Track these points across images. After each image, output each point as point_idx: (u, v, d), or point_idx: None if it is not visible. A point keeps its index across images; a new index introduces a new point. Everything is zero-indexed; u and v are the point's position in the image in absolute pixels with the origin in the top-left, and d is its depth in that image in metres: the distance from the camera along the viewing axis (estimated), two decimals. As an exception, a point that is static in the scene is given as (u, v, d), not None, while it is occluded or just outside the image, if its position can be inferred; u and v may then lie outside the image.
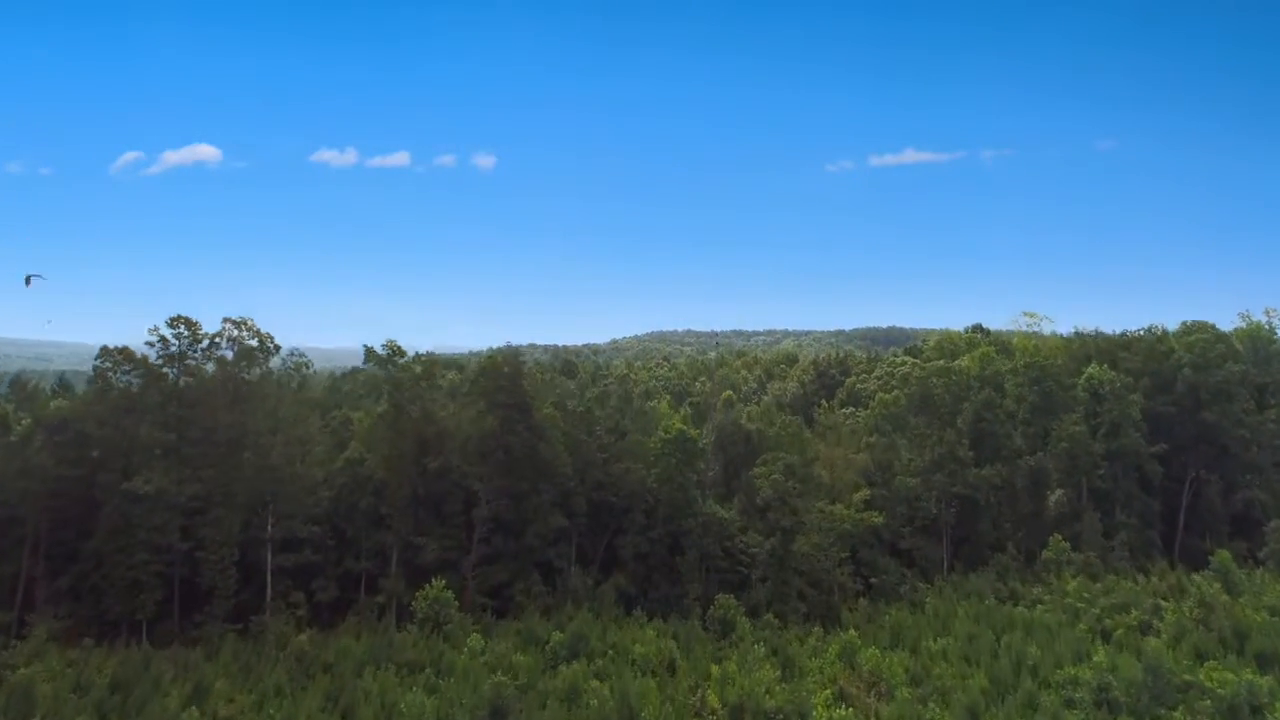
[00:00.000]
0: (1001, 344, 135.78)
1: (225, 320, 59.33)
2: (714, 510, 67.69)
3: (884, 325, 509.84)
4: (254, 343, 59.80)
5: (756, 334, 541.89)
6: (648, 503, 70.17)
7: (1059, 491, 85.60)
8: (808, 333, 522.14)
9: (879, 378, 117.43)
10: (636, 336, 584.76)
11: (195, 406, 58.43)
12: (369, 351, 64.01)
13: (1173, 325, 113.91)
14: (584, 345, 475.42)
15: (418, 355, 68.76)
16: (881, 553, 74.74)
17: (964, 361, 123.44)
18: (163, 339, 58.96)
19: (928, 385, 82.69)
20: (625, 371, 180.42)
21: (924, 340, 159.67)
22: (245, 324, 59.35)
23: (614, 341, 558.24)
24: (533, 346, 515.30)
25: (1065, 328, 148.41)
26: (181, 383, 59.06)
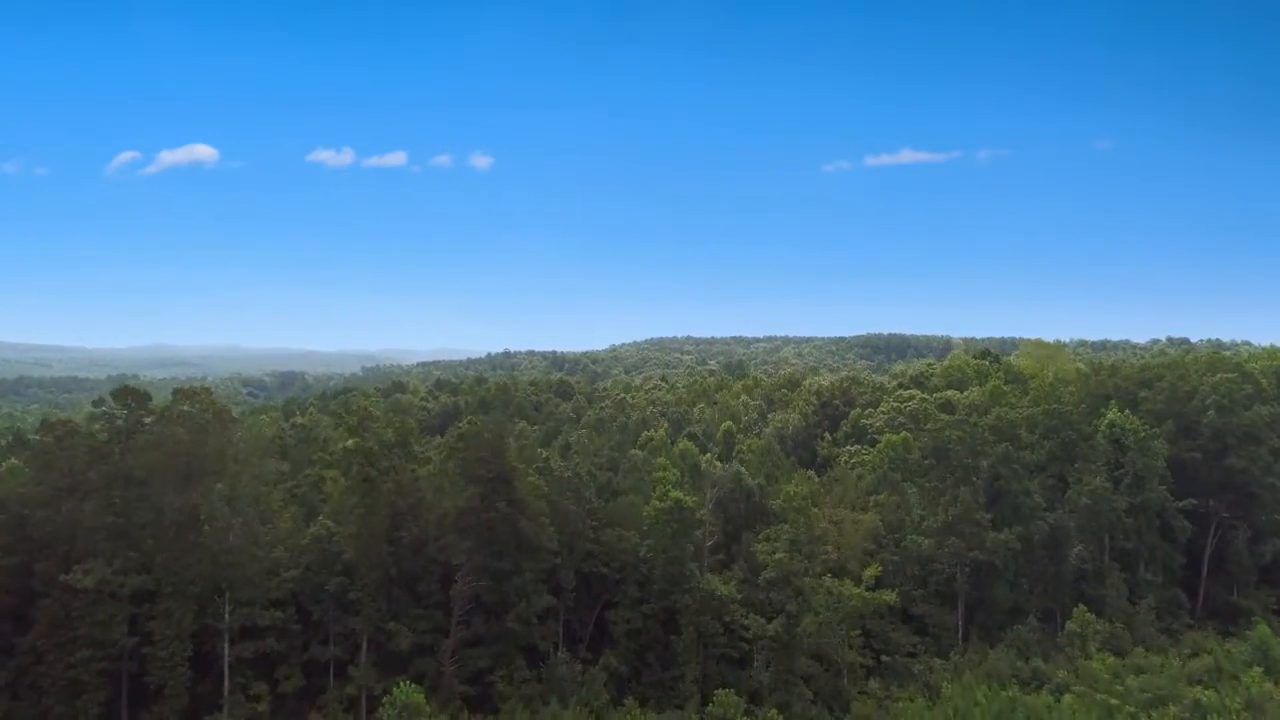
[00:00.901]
0: (1012, 374, 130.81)
1: (176, 392, 54.29)
2: (713, 586, 62.59)
3: (885, 332, 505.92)
4: (209, 415, 54.73)
5: (756, 341, 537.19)
6: (641, 574, 65.12)
7: (1079, 546, 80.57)
8: (808, 340, 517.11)
9: (885, 413, 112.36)
10: (636, 343, 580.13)
11: (144, 486, 53.34)
12: (339, 417, 58.75)
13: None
14: (583, 354, 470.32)
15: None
16: (892, 622, 69.76)
17: (973, 394, 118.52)
18: (108, 413, 53.87)
19: (941, 437, 77.58)
20: (622, 395, 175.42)
21: (930, 365, 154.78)
22: (199, 395, 54.31)
23: (613, 348, 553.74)
24: (531, 354, 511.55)
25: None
26: (129, 461, 53.85)
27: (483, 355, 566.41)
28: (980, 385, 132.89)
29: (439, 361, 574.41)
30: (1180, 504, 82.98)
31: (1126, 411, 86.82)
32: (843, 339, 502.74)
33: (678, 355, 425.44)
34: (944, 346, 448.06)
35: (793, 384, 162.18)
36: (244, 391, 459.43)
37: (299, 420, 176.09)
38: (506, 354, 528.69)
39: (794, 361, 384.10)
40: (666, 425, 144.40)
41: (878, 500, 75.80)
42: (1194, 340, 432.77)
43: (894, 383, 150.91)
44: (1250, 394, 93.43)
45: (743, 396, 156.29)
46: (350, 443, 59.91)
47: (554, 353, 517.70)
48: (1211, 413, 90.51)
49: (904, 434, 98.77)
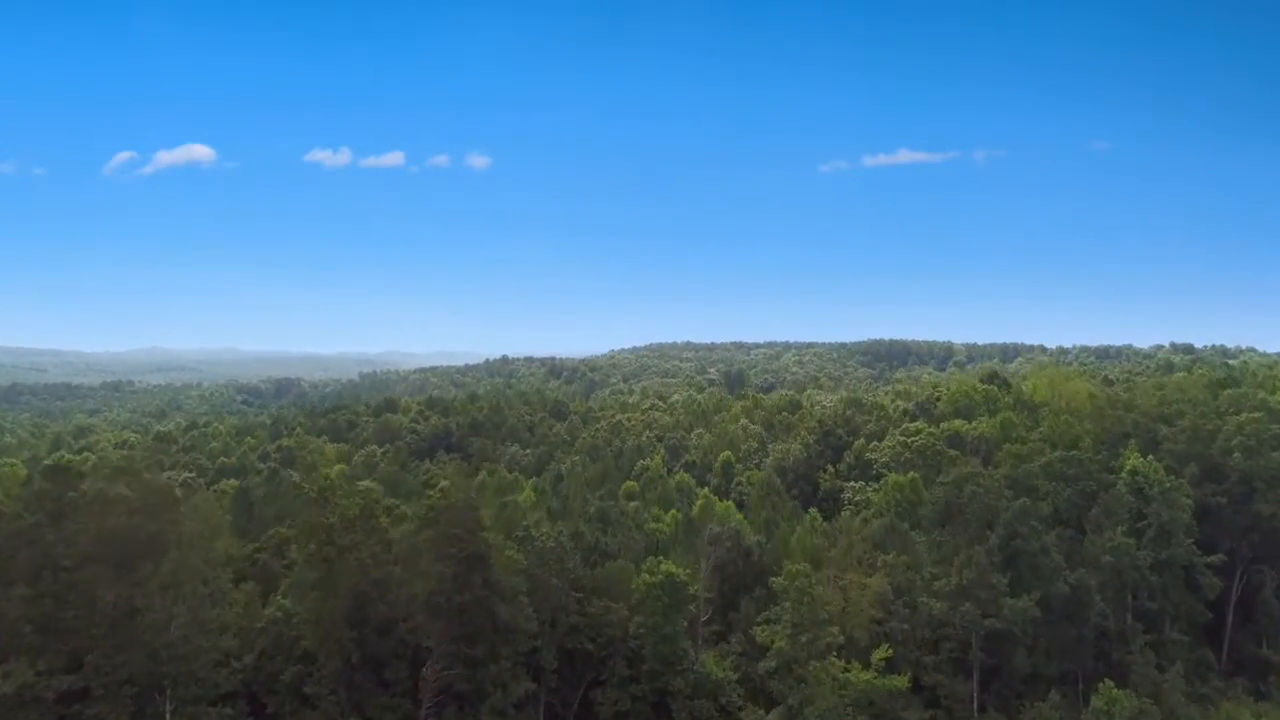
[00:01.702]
0: (1022, 401, 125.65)
1: (111, 467, 49.16)
2: (708, 668, 57.39)
3: (886, 338, 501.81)
4: (151, 496, 49.49)
5: (756, 347, 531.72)
6: (630, 649, 59.93)
7: (1100, 604, 75.33)
8: (808, 346, 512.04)
9: (891, 448, 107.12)
10: (635, 349, 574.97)
11: (75, 573, 48.10)
12: (298, 486, 53.58)
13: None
14: (581, 361, 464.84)
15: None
16: (903, 697, 64.31)
17: (982, 425, 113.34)
18: (38, 492, 48.69)
19: (954, 492, 72.39)
20: (617, 416, 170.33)
21: (936, 386, 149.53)
22: (138, 477, 49.12)
23: (612, 354, 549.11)
24: (529, 360, 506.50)
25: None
26: (60, 546, 48.62)
27: (481, 361, 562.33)
28: (989, 413, 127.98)
29: (436, 368, 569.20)
30: (1209, 559, 77.69)
31: (1150, 458, 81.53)
32: (844, 345, 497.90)
33: (676, 363, 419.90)
34: (945, 353, 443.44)
35: (793, 406, 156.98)
36: (238, 400, 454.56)
37: (285, 442, 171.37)
38: (504, 360, 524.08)
39: (795, 370, 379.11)
40: (663, 452, 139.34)
41: (885, 560, 70.55)
42: (1199, 346, 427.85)
43: (897, 406, 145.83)
44: (1278, 434, 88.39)
45: (742, 420, 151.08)
46: (307, 518, 54.60)
47: (552, 359, 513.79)
48: (1237, 455, 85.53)
49: (911, 474, 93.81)
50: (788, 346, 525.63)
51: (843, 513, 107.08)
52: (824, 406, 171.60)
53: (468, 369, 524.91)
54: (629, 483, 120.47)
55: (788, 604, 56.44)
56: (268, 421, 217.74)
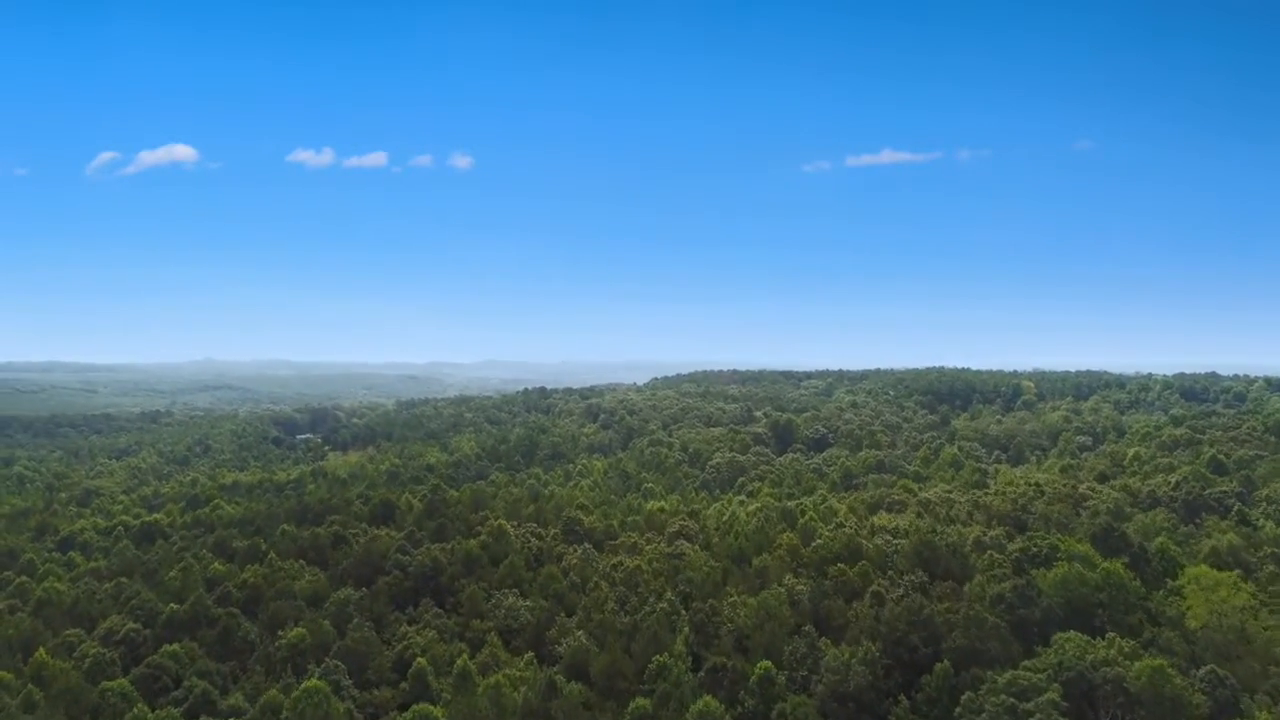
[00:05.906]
0: (1165, 617, 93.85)
1: None
2: None
3: (947, 365, 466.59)
4: None
5: (807, 377, 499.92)
6: None
7: None
8: (862, 376, 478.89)
9: (994, 711, 76.61)
10: (677, 378, 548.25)
11: None
12: None
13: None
14: (621, 399, 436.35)
15: None
16: None
17: (1121, 663, 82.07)
18: None
19: None
20: (637, 557, 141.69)
21: (1029, 514, 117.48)
22: None
23: (653, 384, 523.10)
24: (568, 393, 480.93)
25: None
26: None
27: (520, 390, 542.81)
28: (1112, 600, 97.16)
29: (472, 398, 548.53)
30: None
31: None
32: (899, 377, 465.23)
33: (720, 405, 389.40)
34: (1012, 389, 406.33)
35: (852, 554, 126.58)
36: (271, 436, 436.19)
37: (252, 577, 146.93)
38: (542, 393, 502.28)
39: (848, 416, 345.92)
40: (686, 631, 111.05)
41: None
42: (1225, 375, 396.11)
43: (987, 555, 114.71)
44: None
45: (788, 577, 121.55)
46: None
47: (590, 391, 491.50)
48: None
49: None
50: (841, 377, 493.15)
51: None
52: (890, 540, 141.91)
53: (504, 401, 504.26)
54: (641, 700, 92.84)
55: None
56: (261, 512, 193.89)
